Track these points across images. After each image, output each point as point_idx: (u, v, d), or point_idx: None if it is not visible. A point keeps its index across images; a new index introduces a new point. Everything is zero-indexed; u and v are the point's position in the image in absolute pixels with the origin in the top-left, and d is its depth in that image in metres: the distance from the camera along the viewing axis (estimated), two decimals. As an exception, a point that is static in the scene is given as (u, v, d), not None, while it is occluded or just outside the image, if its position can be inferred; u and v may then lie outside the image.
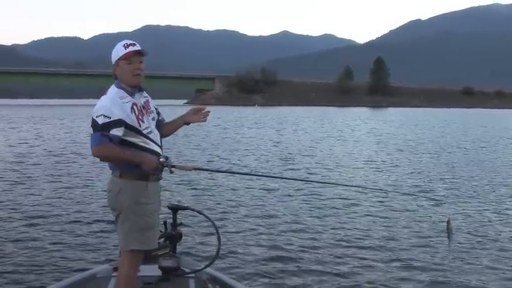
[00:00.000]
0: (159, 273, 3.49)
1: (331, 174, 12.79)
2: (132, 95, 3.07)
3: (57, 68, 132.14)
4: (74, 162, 14.22)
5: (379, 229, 7.22)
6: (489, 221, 7.79)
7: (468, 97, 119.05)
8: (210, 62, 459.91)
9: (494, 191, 10.44)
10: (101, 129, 2.90)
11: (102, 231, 6.79)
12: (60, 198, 9.12)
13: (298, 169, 13.48)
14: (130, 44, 3.06)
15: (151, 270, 3.46)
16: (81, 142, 19.64)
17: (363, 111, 69.30)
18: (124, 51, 3.03)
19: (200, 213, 4.13)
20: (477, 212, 8.44)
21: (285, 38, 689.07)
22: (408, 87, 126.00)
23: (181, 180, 10.42)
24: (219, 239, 3.68)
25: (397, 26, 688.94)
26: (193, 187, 10.15)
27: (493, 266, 5.71)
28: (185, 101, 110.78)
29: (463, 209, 8.61)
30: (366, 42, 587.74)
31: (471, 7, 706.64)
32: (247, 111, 62.38)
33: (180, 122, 3.39)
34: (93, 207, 8.30)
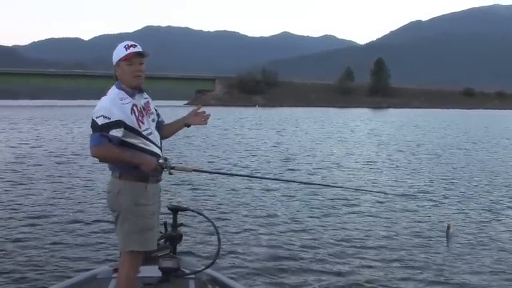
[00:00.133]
0: (159, 274, 3.49)
1: (331, 175, 12.78)
2: (132, 96, 3.07)
3: (58, 68, 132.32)
4: (75, 163, 14.22)
5: (379, 229, 7.23)
6: (489, 222, 7.80)
7: (469, 98, 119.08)
8: (211, 63, 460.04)
9: (494, 192, 10.44)
10: (100, 130, 2.91)
11: (102, 232, 6.79)
12: (61, 198, 9.12)
13: (299, 170, 13.48)
14: (131, 45, 3.06)
15: (151, 271, 3.46)
16: (81, 143, 19.64)
17: (363, 112, 69.30)
18: (125, 53, 3.04)
19: (200, 214, 4.13)
20: (477, 212, 8.43)
21: (285, 39, 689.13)
22: (409, 88, 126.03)
23: (181, 181, 10.42)
24: (219, 240, 3.69)
25: (398, 27, 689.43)
26: (193, 188, 10.15)
27: (493, 267, 5.71)
28: (185, 101, 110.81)
29: (463, 210, 8.61)
30: (367, 43, 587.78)
31: (472, 8, 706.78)
32: (247, 112, 62.38)
33: (180, 124, 3.39)
34: (93, 208, 8.31)
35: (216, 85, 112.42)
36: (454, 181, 11.95)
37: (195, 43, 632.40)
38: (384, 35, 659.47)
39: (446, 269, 5.63)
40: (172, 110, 36.53)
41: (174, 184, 9.94)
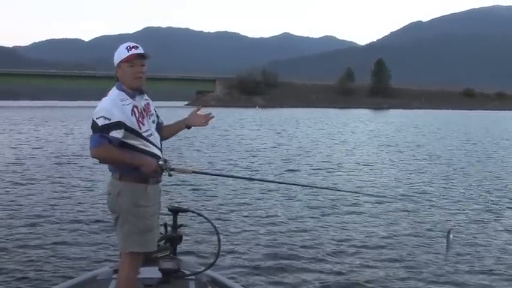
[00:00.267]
0: (159, 275, 3.50)
1: (331, 175, 12.78)
2: (133, 97, 3.07)
3: (58, 69, 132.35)
4: (75, 163, 14.23)
5: (379, 229, 7.23)
6: (489, 222, 7.79)
7: (469, 99, 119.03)
8: (211, 64, 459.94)
9: (494, 193, 10.43)
10: (100, 131, 2.91)
11: (102, 233, 6.79)
12: (61, 199, 9.12)
13: (299, 170, 13.48)
14: (133, 47, 3.06)
15: (151, 272, 3.46)
16: (82, 144, 19.65)
17: (363, 113, 69.28)
18: (127, 54, 3.04)
19: (200, 215, 4.13)
20: (477, 213, 8.43)
21: (285, 40, 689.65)
22: (409, 89, 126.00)
23: (181, 182, 10.42)
24: (219, 241, 3.69)
25: (398, 28, 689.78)
26: (193, 189, 10.15)
27: (493, 267, 5.72)
28: (186, 102, 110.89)
29: (463, 210, 8.61)
30: (367, 44, 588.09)
31: (472, 9, 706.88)
32: (248, 113, 62.42)
33: (181, 126, 3.40)
34: (93, 208, 8.31)
35: (217, 86, 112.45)
36: (454, 181, 11.94)
37: (195, 44, 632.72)
38: (384, 36, 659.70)
39: (446, 269, 5.63)
40: (173, 111, 36.61)
41: (174, 185, 9.94)
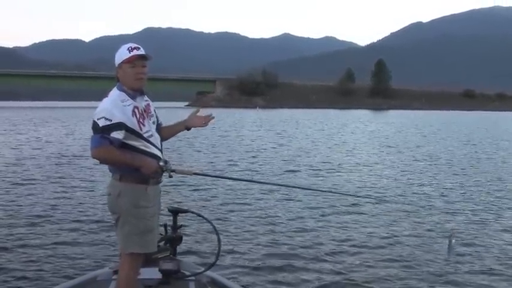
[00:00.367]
0: (159, 276, 3.50)
1: (331, 176, 12.77)
2: (133, 98, 3.07)
3: (59, 70, 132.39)
4: (75, 164, 14.23)
5: (379, 230, 7.22)
6: (489, 222, 7.80)
7: (469, 99, 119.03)
8: (211, 64, 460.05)
9: (494, 193, 10.43)
10: (101, 132, 2.91)
11: (102, 233, 6.79)
12: (61, 200, 9.12)
13: (299, 171, 13.48)
14: (134, 48, 3.06)
15: (151, 273, 3.46)
16: (82, 144, 19.65)
17: (364, 114, 69.29)
18: (128, 55, 3.04)
19: (200, 216, 4.14)
20: (477, 213, 8.43)
21: (286, 41, 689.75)
22: (409, 90, 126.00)
23: (181, 183, 10.42)
24: (219, 241, 3.69)
25: (398, 29, 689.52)
26: (193, 189, 10.15)
27: (493, 267, 5.72)
28: (186, 103, 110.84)
29: (463, 211, 8.61)
30: (367, 45, 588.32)
31: (472, 10, 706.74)
32: (248, 114, 62.42)
33: (180, 127, 3.40)
34: (93, 209, 8.31)
35: (217, 86, 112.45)
36: (454, 182, 11.95)
37: (195, 44, 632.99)
38: (385, 37, 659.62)
39: (446, 269, 5.63)
40: (173, 112, 36.57)
41: (174, 186, 9.94)
